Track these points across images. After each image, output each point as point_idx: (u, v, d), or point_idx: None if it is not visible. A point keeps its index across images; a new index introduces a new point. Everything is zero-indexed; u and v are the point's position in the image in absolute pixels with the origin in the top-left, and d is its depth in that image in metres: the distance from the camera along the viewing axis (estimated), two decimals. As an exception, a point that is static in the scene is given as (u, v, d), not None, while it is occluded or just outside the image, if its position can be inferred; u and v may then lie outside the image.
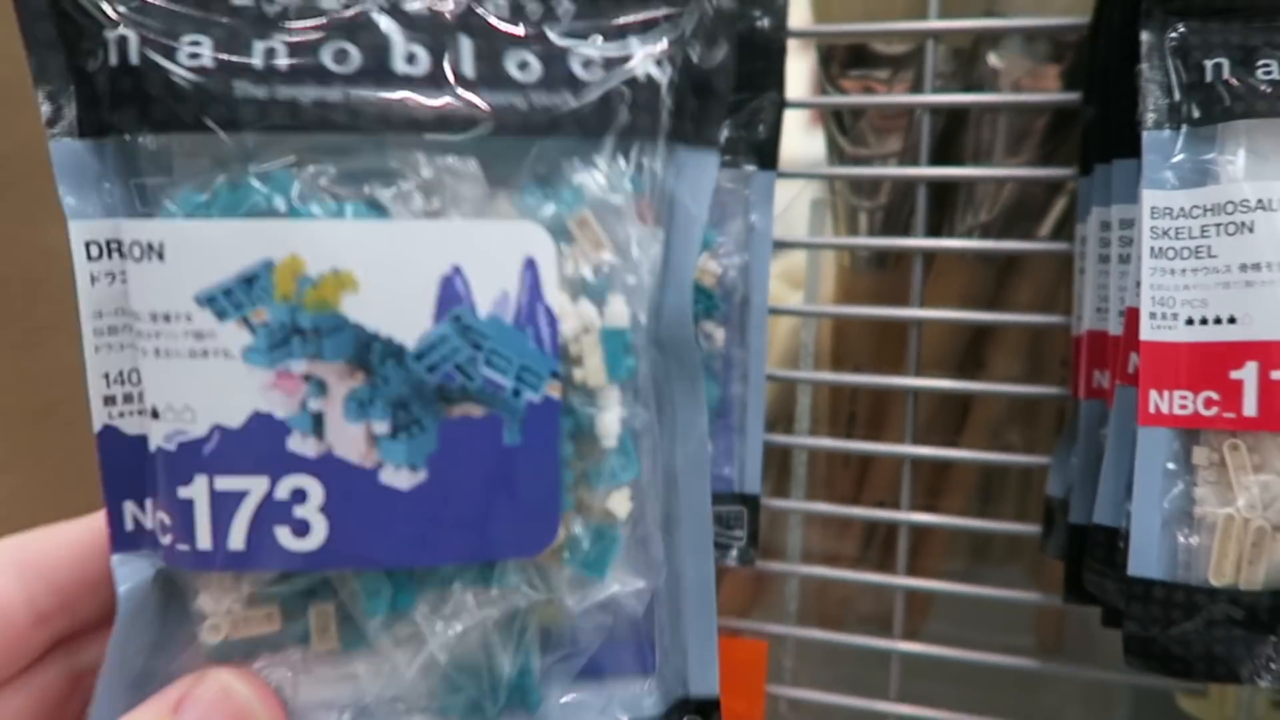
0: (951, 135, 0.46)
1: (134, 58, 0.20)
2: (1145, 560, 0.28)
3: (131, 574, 0.21)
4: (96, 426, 0.21)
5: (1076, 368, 0.37)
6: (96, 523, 0.22)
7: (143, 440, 0.21)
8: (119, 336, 0.21)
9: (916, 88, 0.44)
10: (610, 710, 0.23)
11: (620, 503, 0.23)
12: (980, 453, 0.43)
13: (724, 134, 0.24)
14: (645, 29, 0.22)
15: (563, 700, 0.23)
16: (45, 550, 0.22)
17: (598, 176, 0.22)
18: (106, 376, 0.21)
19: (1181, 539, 0.28)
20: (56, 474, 0.42)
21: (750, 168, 0.39)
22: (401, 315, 0.20)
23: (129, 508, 0.21)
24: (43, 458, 0.47)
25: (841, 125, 0.48)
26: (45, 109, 0.20)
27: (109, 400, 0.21)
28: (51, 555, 0.22)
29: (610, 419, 0.22)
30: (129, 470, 0.21)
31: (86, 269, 0.20)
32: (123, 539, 0.21)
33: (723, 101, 0.24)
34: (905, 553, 0.43)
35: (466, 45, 0.21)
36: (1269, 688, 0.38)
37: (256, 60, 0.20)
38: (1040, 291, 0.46)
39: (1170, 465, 0.29)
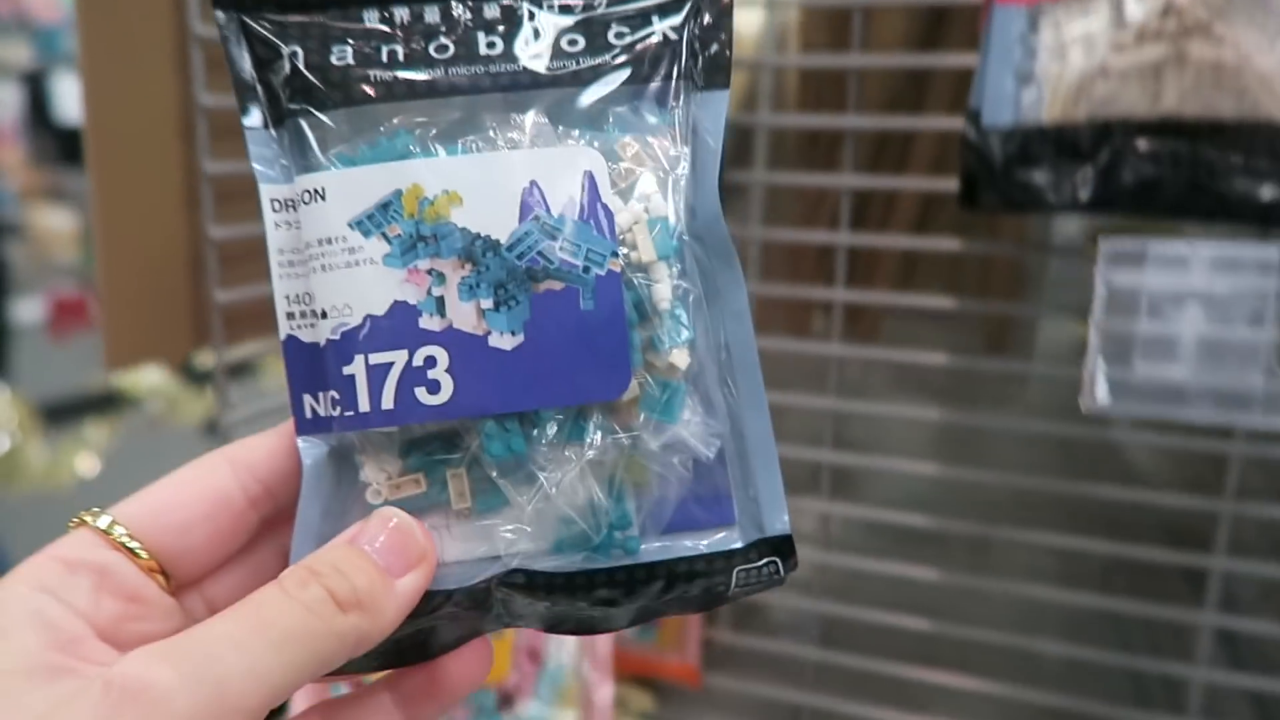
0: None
1: (301, 65, 0.28)
2: (997, 111, 0.35)
3: (312, 450, 0.28)
4: (281, 336, 0.28)
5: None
6: (283, 428, 0.28)
7: (315, 346, 0.27)
8: (295, 268, 0.28)
9: None
10: (698, 548, 0.28)
11: (681, 358, 0.28)
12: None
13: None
14: (663, 7, 0.30)
15: (657, 544, 0.28)
16: (249, 450, 0.28)
17: (633, 112, 0.29)
18: (287, 297, 0.28)
19: (1025, 92, 0.34)
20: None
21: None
22: (495, 219, 0.27)
23: (307, 399, 0.28)
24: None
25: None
26: (242, 111, 0.28)
27: (289, 315, 0.28)
28: (254, 454, 0.28)
29: (663, 288, 0.28)
30: (305, 368, 0.28)
31: (272, 218, 0.28)
32: (304, 424, 0.28)
33: (725, 53, 0.30)
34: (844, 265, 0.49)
35: (529, 31, 0.29)
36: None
37: (384, 56, 0.28)
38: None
39: (1019, 36, 0.35)
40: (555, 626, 0.29)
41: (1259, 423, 0.25)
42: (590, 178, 0.28)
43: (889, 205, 0.55)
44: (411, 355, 0.27)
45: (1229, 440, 0.45)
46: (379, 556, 0.26)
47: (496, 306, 0.27)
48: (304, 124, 0.28)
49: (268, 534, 0.29)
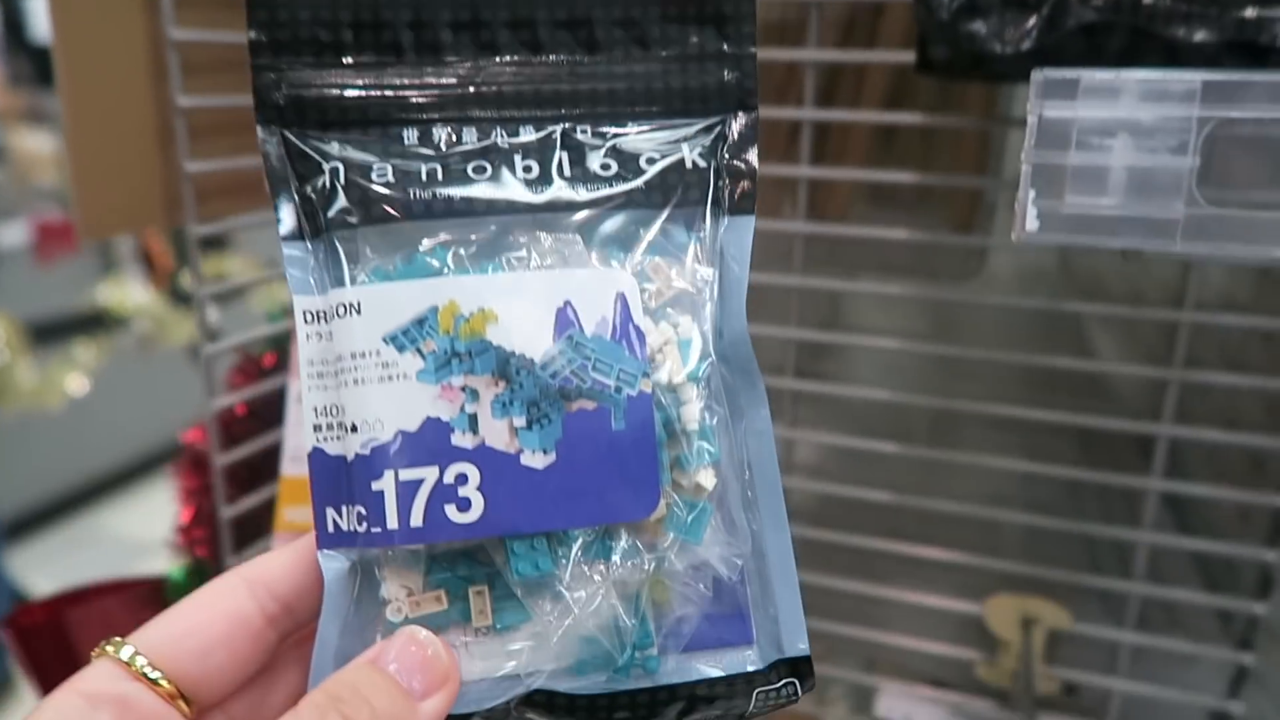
0: None
1: (341, 182, 0.28)
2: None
3: (333, 564, 0.27)
4: (308, 448, 0.28)
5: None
6: (301, 544, 0.28)
7: (342, 459, 0.27)
8: (324, 379, 0.28)
9: None
10: (718, 670, 0.29)
11: (707, 478, 0.29)
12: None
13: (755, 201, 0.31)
14: (692, 135, 0.30)
15: (676, 663, 0.28)
16: (266, 569, 0.28)
17: (663, 235, 0.30)
18: (315, 409, 0.28)
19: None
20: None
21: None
22: (529, 337, 0.27)
23: (330, 513, 0.27)
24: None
25: None
26: (280, 222, 0.28)
27: (317, 428, 0.28)
28: (271, 572, 0.28)
29: (691, 409, 0.29)
30: (331, 481, 0.27)
31: (304, 330, 0.28)
32: (326, 538, 0.27)
33: (751, 183, 0.31)
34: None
35: (564, 156, 0.29)
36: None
37: (423, 175, 0.28)
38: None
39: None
40: None
41: (1179, 249, 0.26)
42: (623, 299, 0.28)
43: (858, 85, 0.55)
44: (443, 472, 0.27)
45: (1179, 309, 0.46)
46: (402, 677, 0.26)
47: (529, 425, 0.27)
48: (339, 239, 0.28)
49: (290, 648, 0.29)
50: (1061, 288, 0.64)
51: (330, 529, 0.27)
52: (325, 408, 0.27)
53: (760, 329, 0.53)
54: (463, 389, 0.27)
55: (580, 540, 0.28)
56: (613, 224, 0.29)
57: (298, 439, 0.46)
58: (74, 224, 0.43)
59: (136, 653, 0.26)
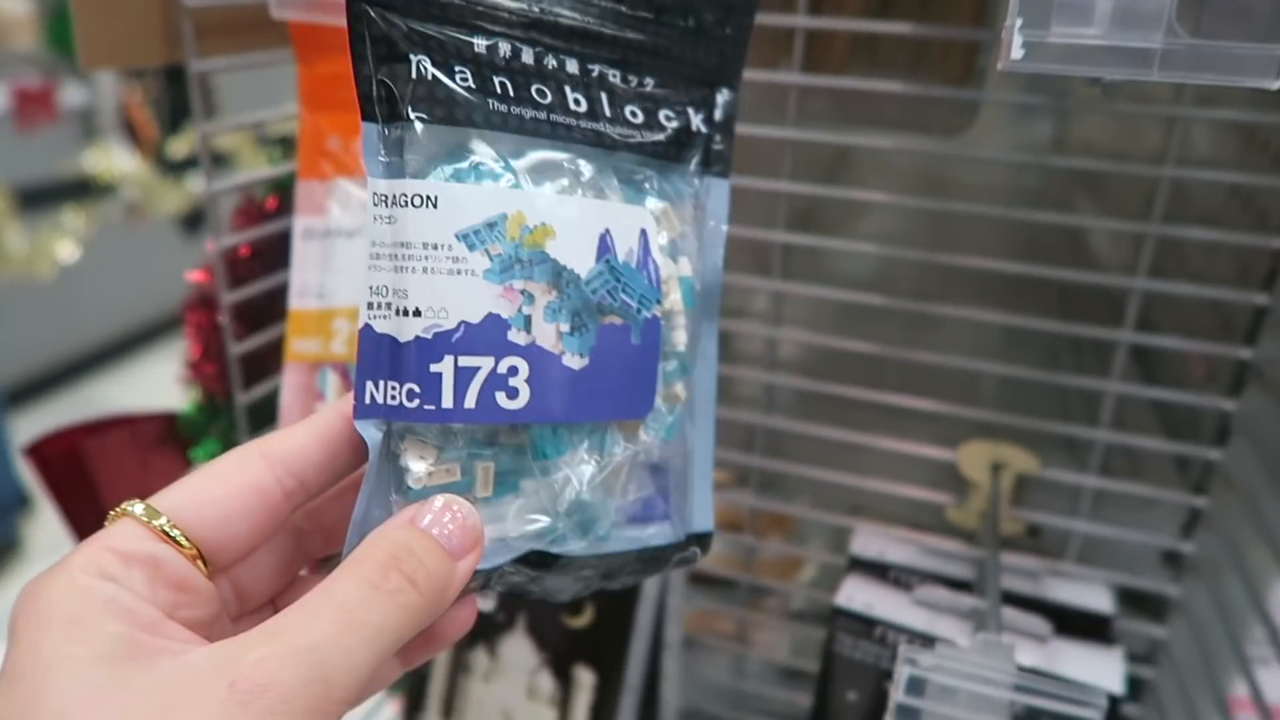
0: None
1: (428, 74, 0.29)
2: None
3: (368, 432, 0.29)
4: (360, 324, 0.29)
5: None
6: (316, 420, 0.30)
7: (393, 339, 0.29)
8: (387, 261, 0.29)
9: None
10: (655, 539, 0.35)
11: (683, 389, 0.35)
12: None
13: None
14: (698, 101, 0.35)
15: (629, 535, 0.34)
16: (282, 444, 0.29)
17: (672, 185, 0.34)
18: (371, 288, 0.29)
19: None
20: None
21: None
22: (578, 256, 0.31)
23: (369, 386, 0.29)
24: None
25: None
26: (362, 102, 0.29)
27: (371, 305, 0.29)
28: (288, 448, 0.29)
29: (681, 334, 0.34)
30: (377, 358, 0.29)
31: (373, 211, 0.29)
32: (362, 409, 0.29)
33: (728, 150, 0.36)
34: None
35: (604, 96, 0.33)
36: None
37: (498, 87, 0.30)
38: None
39: None
40: (549, 597, 0.34)
41: (1156, 77, 0.28)
42: (645, 235, 0.32)
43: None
44: (498, 363, 0.29)
45: (1159, 165, 0.47)
46: (444, 540, 0.28)
47: (572, 331, 0.31)
48: (421, 131, 0.29)
49: (292, 519, 0.31)
50: (1061, 168, 0.65)
51: (367, 401, 0.29)
52: (382, 288, 0.29)
53: (753, 182, 0.54)
54: (522, 292, 0.30)
55: (587, 431, 0.32)
56: (637, 167, 0.33)
57: (304, 275, 0.48)
58: (79, 49, 0.44)
59: (158, 513, 0.27)
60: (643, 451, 0.34)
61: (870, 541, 0.58)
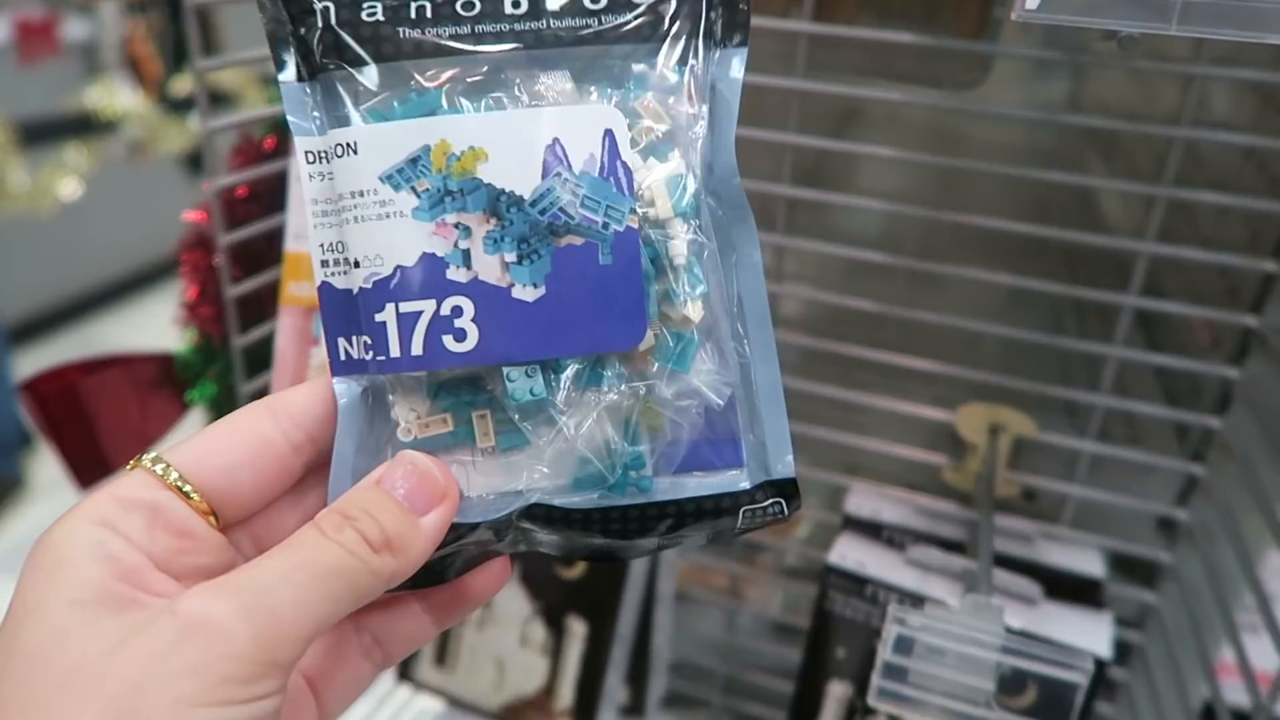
0: None
1: (334, 20, 0.28)
2: None
3: (346, 390, 0.29)
4: (317, 283, 0.29)
5: None
6: (322, 378, 0.30)
7: (348, 293, 0.29)
8: (329, 217, 0.29)
9: None
10: (707, 488, 0.30)
11: (695, 310, 0.30)
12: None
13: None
14: None
15: (669, 483, 0.30)
16: (288, 400, 0.29)
17: (653, 70, 0.30)
18: (322, 245, 0.29)
19: None
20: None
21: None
22: (519, 175, 0.28)
23: (341, 342, 0.29)
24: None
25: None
26: (277, 66, 0.29)
27: (324, 263, 0.29)
28: (293, 403, 0.29)
29: (679, 244, 0.30)
30: (340, 314, 0.29)
31: (306, 170, 0.29)
32: (338, 365, 0.29)
33: (744, 9, 0.30)
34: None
35: None
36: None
37: (412, 13, 0.29)
38: None
39: None
40: (570, 555, 0.31)
41: (1174, 31, 0.27)
42: (610, 136, 0.29)
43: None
44: (439, 305, 0.28)
45: (1174, 126, 0.46)
46: (404, 498, 0.28)
47: (520, 260, 0.28)
48: (336, 79, 0.29)
49: (314, 477, 0.31)
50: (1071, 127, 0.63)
51: (342, 357, 0.29)
52: (330, 244, 0.29)
53: (759, 134, 0.53)
54: (456, 226, 0.28)
55: (572, 369, 0.29)
56: (602, 60, 0.30)
57: (300, 218, 0.47)
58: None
59: (168, 465, 0.28)
60: (667, 386, 0.30)
61: (865, 501, 0.58)
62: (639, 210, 0.29)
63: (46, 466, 2.13)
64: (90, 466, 0.58)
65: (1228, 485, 0.51)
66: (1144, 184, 0.49)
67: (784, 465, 0.31)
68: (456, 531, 0.29)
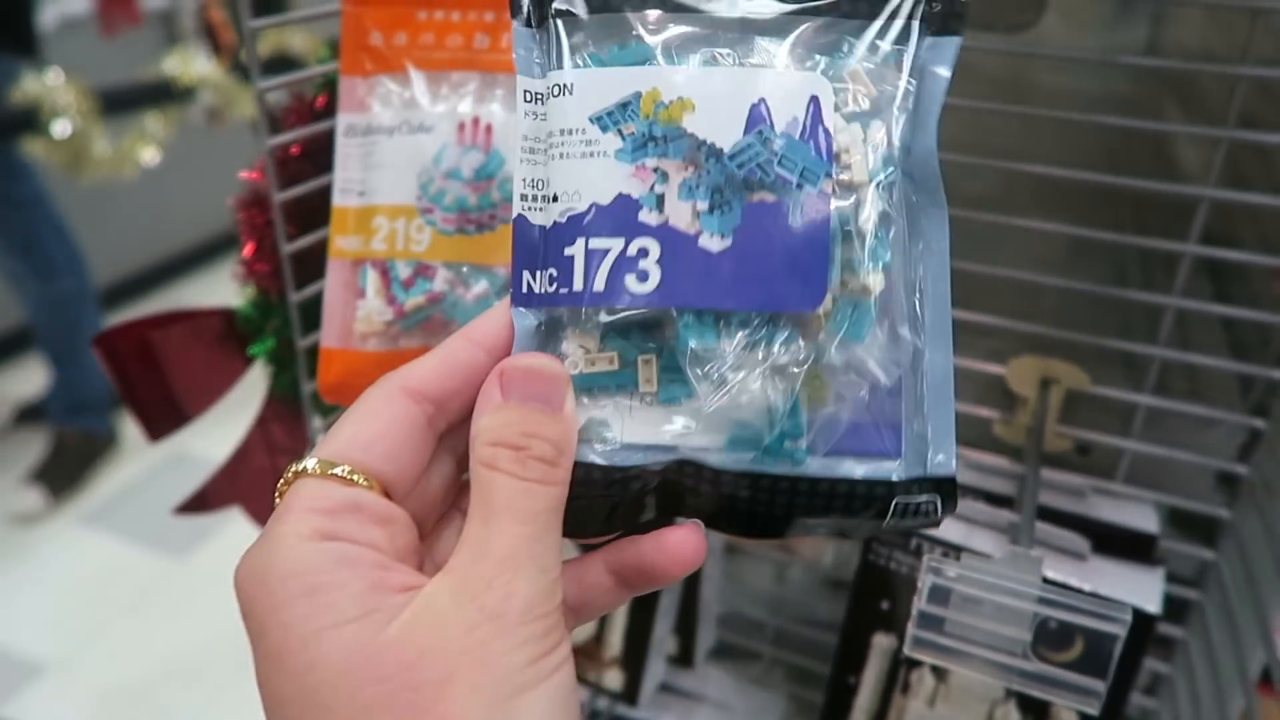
0: None
1: None
2: None
3: (524, 321, 0.30)
4: (514, 215, 0.30)
5: None
6: (444, 350, 0.30)
7: (541, 228, 0.30)
8: (535, 155, 0.30)
9: None
10: (861, 472, 0.29)
11: (875, 280, 0.29)
12: None
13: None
14: None
15: (822, 461, 0.29)
16: (418, 376, 0.30)
17: (867, 44, 0.30)
18: (524, 180, 0.30)
19: None
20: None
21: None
22: (722, 129, 0.29)
23: (525, 275, 0.30)
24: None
25: None
26: (512, 11, 0.31)
27: (524, 197, 0.30)
28: (423, 378, 0.30)
29: (868, 213, 0.29)
30: (529, 247, 0.30)
31: (523, 108, 0.30)
32: (519, 297, 0.30)
33: (964, 5, 0.31)
34: None
35: None
36: None
37: None
38: None
39: None
40: (714, 522, 0.30)
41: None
42: (816, 101, 0.29)
43: None
44: (627, 244, 0.29)
45: (1239, 65, 0.44)
46: (539, 401, 0.28)
47: (711, 209, 0.29)
48: (562, 25, 0.30)
49: (444, 445, 0.31)
50: (1147, 72, 0.61)
51: (524, 289, 0.30)
52: (533, 180, 0.30)
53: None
54: (654, 170, 0.29)
55: (746, 324, 0.29)
56: (818, 30, 0.30)
57: (346, 172, 0.48)
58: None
59: (331, 464, 0.28)
60: (837, 354, 0.29)
61: (913, 454, 0.57)
62: (835, 175, 0.29)
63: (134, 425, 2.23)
64: (163, 418, 0.61)
65: (1292, 440, 0.50)
66: (1205, 127, 0.47)
67: (944, 462, 0.30)
68: (609, 474, 0.29)
